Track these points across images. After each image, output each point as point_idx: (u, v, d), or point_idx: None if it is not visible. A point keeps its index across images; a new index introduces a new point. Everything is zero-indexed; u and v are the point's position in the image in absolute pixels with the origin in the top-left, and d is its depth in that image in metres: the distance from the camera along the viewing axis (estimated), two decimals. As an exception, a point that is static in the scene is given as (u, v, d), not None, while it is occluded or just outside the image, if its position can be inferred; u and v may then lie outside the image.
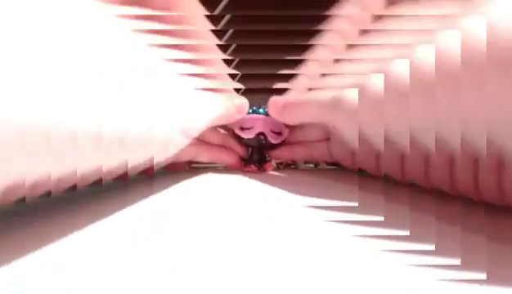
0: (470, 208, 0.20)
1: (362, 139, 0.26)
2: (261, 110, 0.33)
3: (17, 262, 0.14)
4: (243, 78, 0.43)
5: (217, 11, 0.42)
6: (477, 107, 0.18)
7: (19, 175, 0.15)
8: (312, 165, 0.37)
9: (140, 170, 0.25)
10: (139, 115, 0.21)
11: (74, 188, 0.19)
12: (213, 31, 0.33)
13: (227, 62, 0.44)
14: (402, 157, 0.24)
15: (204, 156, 0.33)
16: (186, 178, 0.30)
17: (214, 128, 0.33)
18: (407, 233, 0.17)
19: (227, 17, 0.43)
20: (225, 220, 0.19)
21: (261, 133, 0.33)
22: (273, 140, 0.33)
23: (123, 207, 0.21)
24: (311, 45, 0.32)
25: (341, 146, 0.30)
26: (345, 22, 0.30)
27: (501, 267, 0.13)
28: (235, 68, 0.43)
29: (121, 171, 0.22)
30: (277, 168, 0.35)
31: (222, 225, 0.19)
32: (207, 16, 0.30)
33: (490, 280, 0.12)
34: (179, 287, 0.12)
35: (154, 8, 0.25)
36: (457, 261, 0.14)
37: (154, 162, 0.25)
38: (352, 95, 0.25)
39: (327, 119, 0.29)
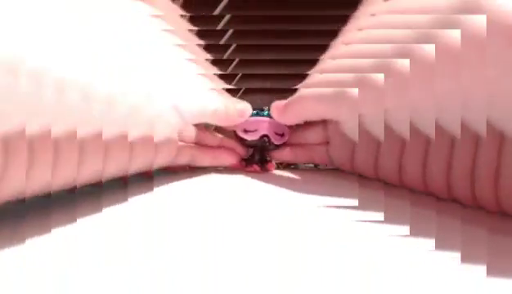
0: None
1: (362, 139, 0.27)
2: (264, 112, 0.34)
3: (17, 262, 0.14)
4: (243, 78, 0.43)
5: (217, 11, 0.42)
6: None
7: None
8: (311, 165, 0.37)
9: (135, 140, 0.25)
10: (136, 80, 0.24)
11: (73, 189, 0.20)
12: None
13: (227, 62, 0.44)
14: (400, 164, 0.24)
15: (205, 158, 0.32)
16: (187, 178, 0.30)
17: (211, 132, 0.33)
18: (407, 227, 0.17)
19: (227, 17, 0.43)
20: (225, 221, 0.19)
21: (265, 135, 0.33)
22: (276, 141, 0.33)
23: (123, 206, 0.21)
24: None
25: (340, 151, 0.30)
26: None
27: (501, 260, 0.13)
28: (235, 68, 0.43)
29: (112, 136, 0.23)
30: (277, 168, 0.35)
31: (222, 226, 0.19)
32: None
33: (490, 273, 0.12)
34: (179, 287, 0.12)
35: None
36: (457, 255, 0.14)
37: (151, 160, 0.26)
38: (356, 89, 0.26)
39: (329, 113, 0.29)
